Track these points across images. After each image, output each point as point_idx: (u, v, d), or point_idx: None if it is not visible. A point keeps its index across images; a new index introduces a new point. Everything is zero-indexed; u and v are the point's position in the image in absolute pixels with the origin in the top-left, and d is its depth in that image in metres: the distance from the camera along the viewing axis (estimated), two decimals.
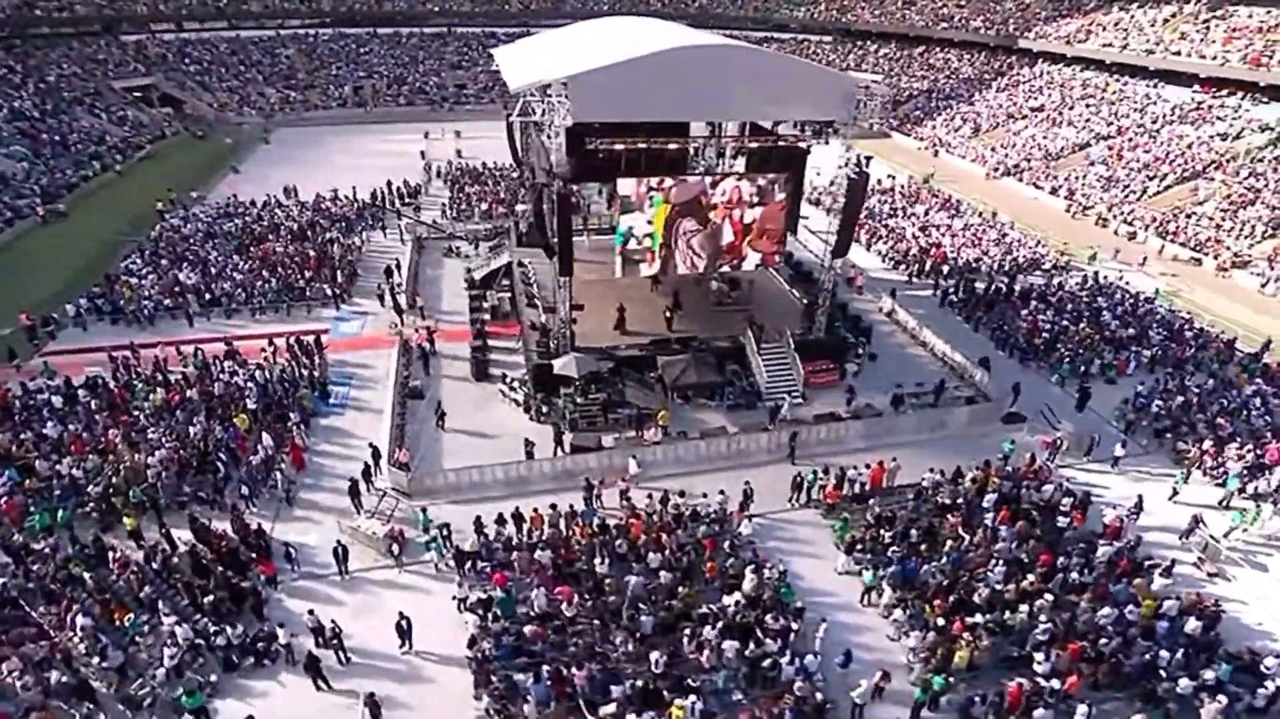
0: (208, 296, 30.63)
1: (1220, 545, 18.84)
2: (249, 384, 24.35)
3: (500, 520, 18.56)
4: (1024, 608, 16.33)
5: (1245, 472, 21.05)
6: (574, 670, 14.65)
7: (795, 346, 26.09)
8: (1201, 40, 55.59)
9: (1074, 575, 17.41)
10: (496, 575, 16.93)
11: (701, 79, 21.97)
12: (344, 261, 34.24)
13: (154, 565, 17.16)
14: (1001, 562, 17.57)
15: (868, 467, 20.97)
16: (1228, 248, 38.57)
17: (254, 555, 17.74)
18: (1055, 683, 14.56)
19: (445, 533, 18.30)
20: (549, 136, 21.45)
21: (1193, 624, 16.05)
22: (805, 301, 28.69)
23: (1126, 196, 46.10)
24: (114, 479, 19.67)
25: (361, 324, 30.19)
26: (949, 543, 18.29)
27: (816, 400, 25.12)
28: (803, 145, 26.00)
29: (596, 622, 16.13)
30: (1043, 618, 15.98)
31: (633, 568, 17.49)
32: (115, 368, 25.57)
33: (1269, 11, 53.29)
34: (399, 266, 34.18)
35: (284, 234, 37.18)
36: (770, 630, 15.71)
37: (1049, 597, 16.54)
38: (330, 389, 25.14)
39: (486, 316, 29.78)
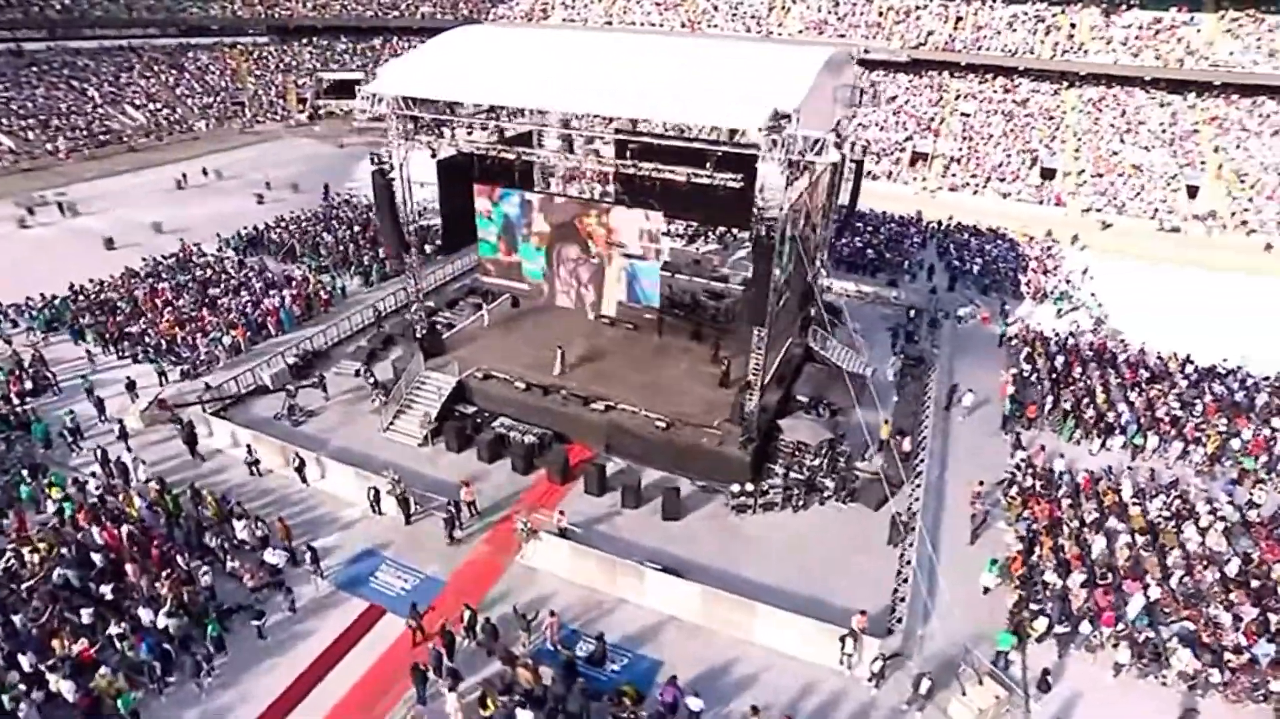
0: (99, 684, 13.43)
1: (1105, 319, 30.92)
2: None
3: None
4: None
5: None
6: None
7: None
8: (641, 10, 70.85)
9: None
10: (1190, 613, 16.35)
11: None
12: (202, 517, 18.71)
13: None
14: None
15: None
16: None
17: None
18: None
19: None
20: (791, 177, 17.47)
21: None
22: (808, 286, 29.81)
23: None
24: None
25: (396, 563, 18.11)
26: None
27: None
28: None
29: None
30: None
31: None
32: None
33: None
34: (314, 464, 20.55)
35: None
36: None
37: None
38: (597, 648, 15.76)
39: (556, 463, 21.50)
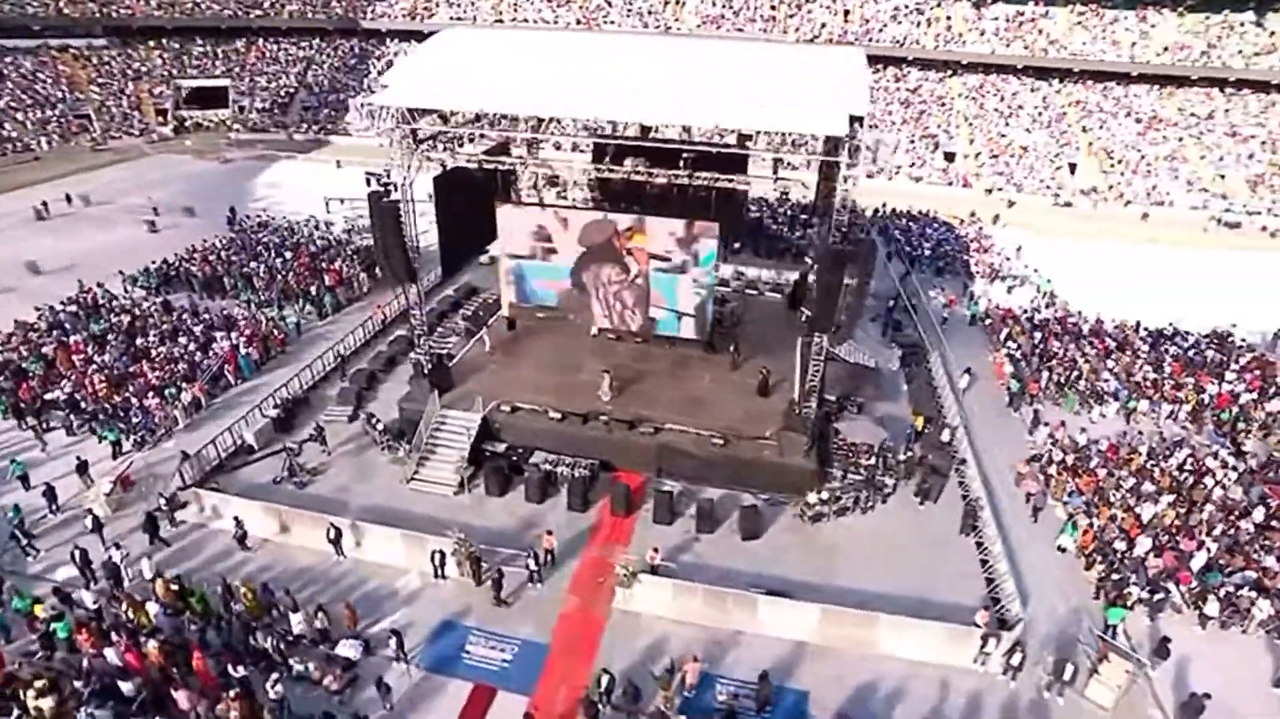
0: None
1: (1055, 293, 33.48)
2: None
3: None
4: None
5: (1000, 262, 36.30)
6: None
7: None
8: (532, 7, 68.69)
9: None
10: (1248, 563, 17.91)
11: None
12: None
13: None
14: None
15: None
16: None
17: None
18: None
19: None
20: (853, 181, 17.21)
21: None
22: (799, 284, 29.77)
23: None
24: None
25: (485, 632, 16.27)
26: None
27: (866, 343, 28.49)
28: None
29: None
30: None
31: None
32: None
33: None
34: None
35: None
36: None
37: None
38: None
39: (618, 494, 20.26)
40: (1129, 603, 17.09)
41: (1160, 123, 56.08)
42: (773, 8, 65.97)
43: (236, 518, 18.50)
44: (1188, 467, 21.48)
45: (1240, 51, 57.87)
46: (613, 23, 67.19)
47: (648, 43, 25.69)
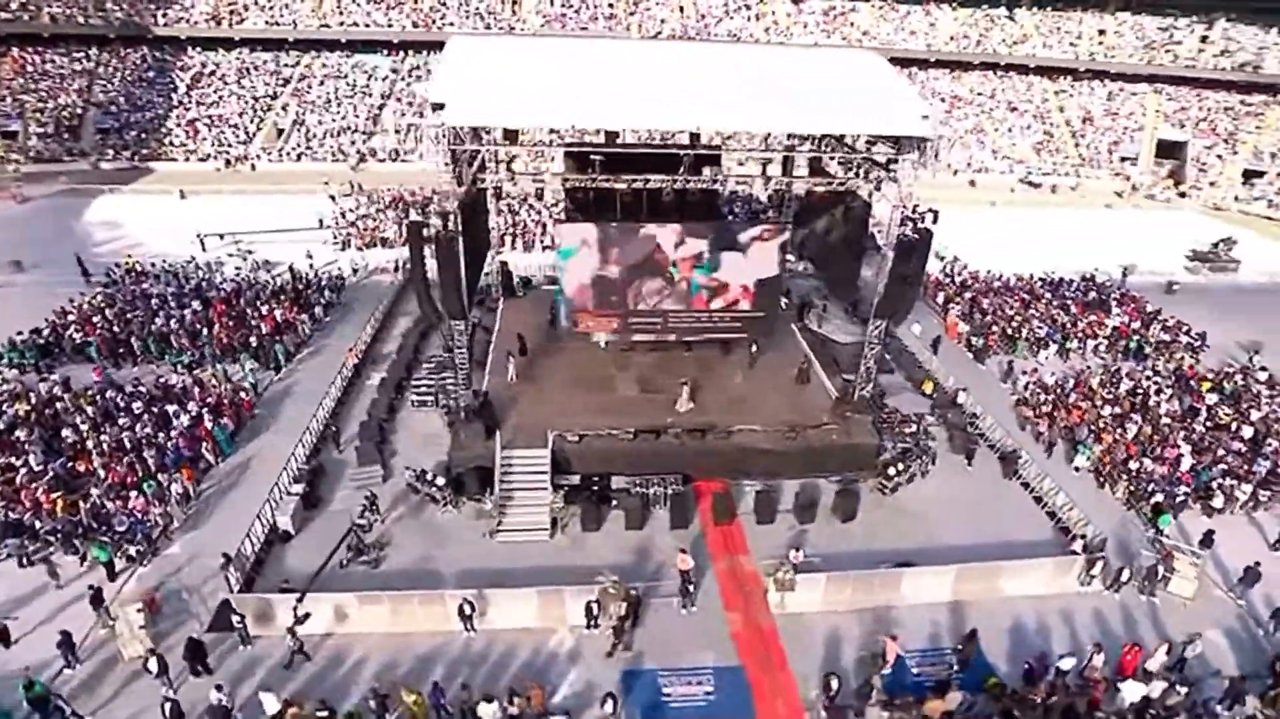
0: None
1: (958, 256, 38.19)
2: None
3: None
4: None
5: None
6: None
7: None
8: (360, 10, 63.53)
9: None
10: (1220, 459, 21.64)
11: None
12: None
13: None
14: None
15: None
16: None
17: None
18: None
19: None
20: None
21: None
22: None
23: None
24: None
25: (674, 670, 15.71)
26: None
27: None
28: None
29: None
30: None
31: None
32: None
33: None
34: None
35: None
36: None
37: None
38: None
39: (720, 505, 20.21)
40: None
41: (960, 101, 65.31)
42: (611, 4, 66.80)
43: (290, 628, 15.84)
44: (1136, 390, 25.93)
45: (1003, 40, 68.77)
46: (451, 24, 64.14)
47: (668, 48, 25.37)
